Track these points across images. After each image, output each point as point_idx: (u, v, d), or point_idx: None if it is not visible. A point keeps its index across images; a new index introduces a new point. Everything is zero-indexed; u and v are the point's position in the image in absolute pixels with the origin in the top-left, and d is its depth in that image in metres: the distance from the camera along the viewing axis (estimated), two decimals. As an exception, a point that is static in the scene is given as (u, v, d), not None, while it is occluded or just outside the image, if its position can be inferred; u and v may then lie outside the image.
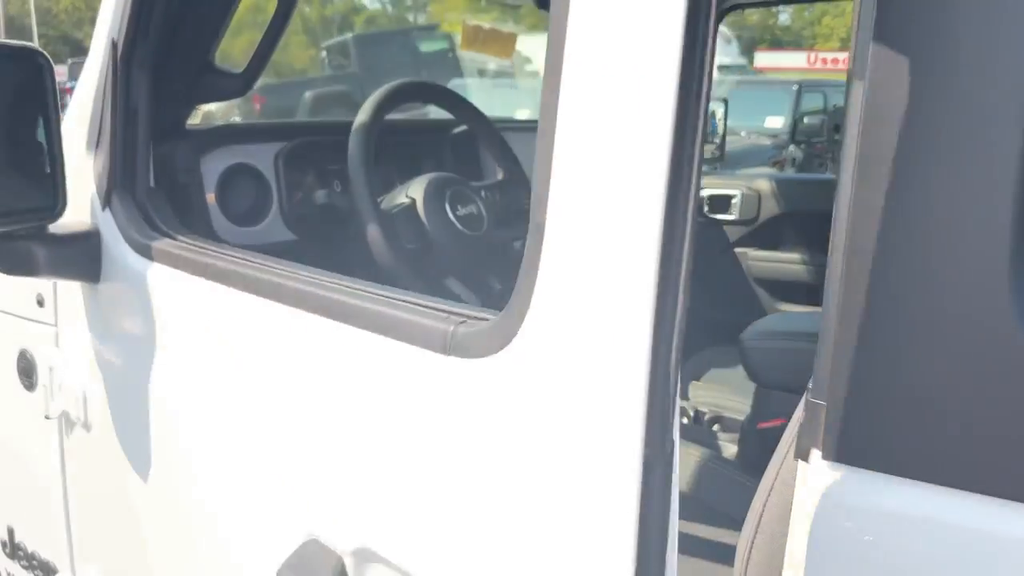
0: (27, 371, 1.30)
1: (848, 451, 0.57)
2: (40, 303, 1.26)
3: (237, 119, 5.54)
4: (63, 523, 1.31)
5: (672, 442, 0.52)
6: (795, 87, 8.34)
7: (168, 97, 1.15)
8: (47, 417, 1.22)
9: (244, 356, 0.90)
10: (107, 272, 1.07)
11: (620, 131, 0.53)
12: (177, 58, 1.11)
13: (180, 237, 1.03)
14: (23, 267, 1.06)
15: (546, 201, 0.58)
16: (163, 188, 1.15)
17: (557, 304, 0.57)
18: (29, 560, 1.39)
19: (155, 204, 1.07)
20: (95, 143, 1.06)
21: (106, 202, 1.06)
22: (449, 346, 0.65)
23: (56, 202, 1.02)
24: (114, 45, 1.04)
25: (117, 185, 1.06)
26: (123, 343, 1.09)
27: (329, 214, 1.42)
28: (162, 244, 1.01)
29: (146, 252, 1.02)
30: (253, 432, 0.87)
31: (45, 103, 0.99)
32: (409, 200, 1.33)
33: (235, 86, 1.22)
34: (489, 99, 6.85)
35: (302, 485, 0.81)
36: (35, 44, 1.05)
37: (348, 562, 0.73)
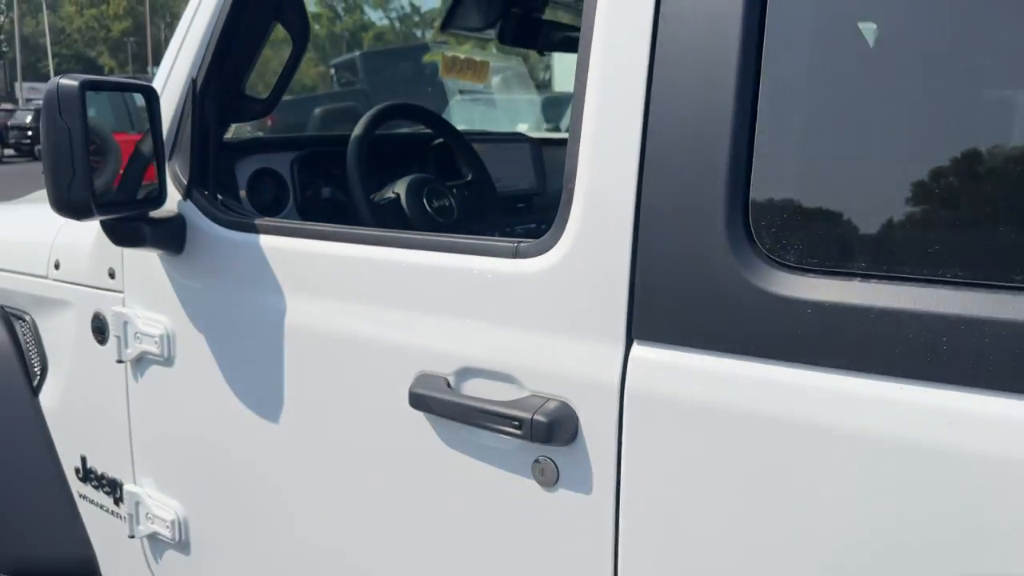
0: (100, 328, 1.68)
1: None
2: (112, 275, 1.64)
3: (255, 132, 6.01)
4: (127, 446, 1.69)
5: None
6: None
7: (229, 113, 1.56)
8: (119, 361, 1.61)
9: (317, 285, 1.32)
10: (191, 242, 1.46)
11: (610, 119, 1.00)
12: (227, 90, 1.51)
13: (244, 213, 1.46)
14: (134, 241, 1.45)
15: (576, 161, 1.03)
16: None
17: (580, 227, 1.03)
18: (99, 480, 1.77)
19: (217, 195, 1.50)
20: (170, 154, 1.46)
21: (187, 195, 1.46)
22: (516, 252, 1.10)
23: (161, 196, 1.42)
24: (193, 82, 1.44)
25: (194, 183, 1.46)
26: (205, 294, 1.48)
27: (332, 207, 1.82)
28: (234, 218, 1.43)
29: (227, 224, 1.43)
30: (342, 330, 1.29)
31: (154, 125, 1.39)
32: (394, 195, 1.73)
33: (260, 109, 1.61)
34: (478, 113, 7.64)
35: (402, 351, 1.22)
36: (145, 80, 1.47)
37: (451, 379, 1.16)
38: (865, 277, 0.87)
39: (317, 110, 8.34)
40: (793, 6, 0.94)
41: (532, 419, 1.03)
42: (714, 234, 0.92)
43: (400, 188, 1.72)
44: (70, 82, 1.26)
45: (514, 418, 1.05)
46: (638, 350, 1.00)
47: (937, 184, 0.87)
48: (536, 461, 1.08)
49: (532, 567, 1.14)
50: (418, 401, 1.16)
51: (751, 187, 0.92)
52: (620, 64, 1.00)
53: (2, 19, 72.76)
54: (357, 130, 1.67)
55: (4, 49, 68.39)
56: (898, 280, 0.86)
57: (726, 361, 0.93)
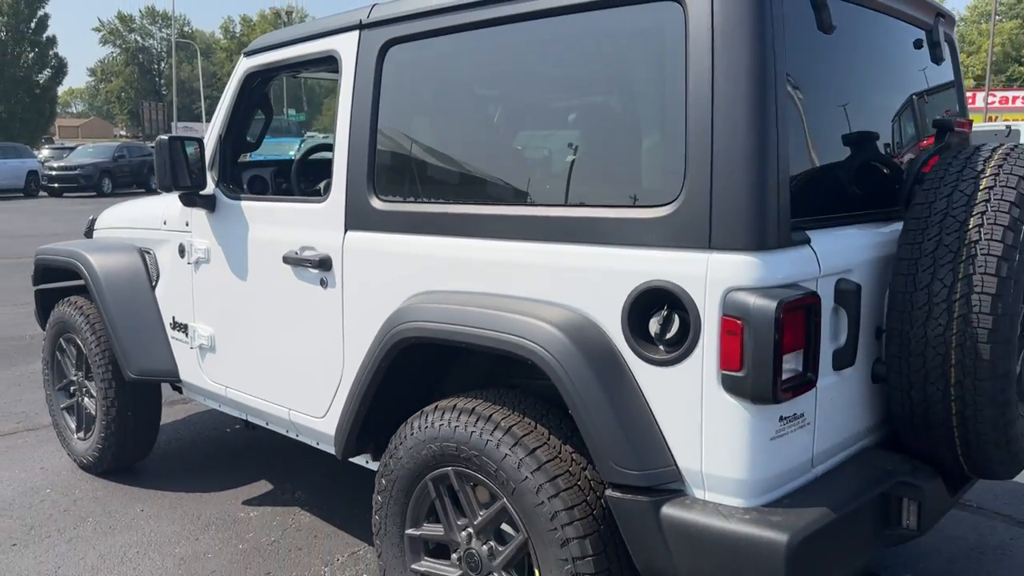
0: (181, 251, 3.55)
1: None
2: (186, 224, 3.51)
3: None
4: (191, 307, 3.54)
5: None
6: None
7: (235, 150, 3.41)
8: (188, 263, 3.47)
9: (272, 222, 3.13)
10: (218, 206, 3.29)
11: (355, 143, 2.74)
12: (235, 138, 3.36)
13: (241, 194, 3.31)
14: (192, 204, 3.32)
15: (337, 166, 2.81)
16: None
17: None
18: (180, 327, 3.63)
19: (230, 185, 3.34)
20: (213, 164, 3.30)
21: (217, 184, 3.30)
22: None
23: (205, 184, 3.27)
24: (220, 136, 3.29)
25: (220, 179, 3.30)
26: (224, 231, 3.30)
27: (286, 192, 3.66)
28: (236, 195, 3.26)
29: (233, 198, 3.25)
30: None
31: (202, 154, 3.25)
32: (321, 187, 3.52)
33: (252, 147, 3.46)
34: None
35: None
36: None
37: (299, 252, 2.96)
38: (411, 202, 2.58)
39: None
40: (391, 111, 2.66)
41: (320, 258, 2.79)
42: (367, 189, 2.64)
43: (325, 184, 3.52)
44: (165, 137, 3.12)
45: (315, 261, 2.80)
46: (352, 236, 2.72)
47: (436, 164, 2.58)
48: (321, 281, 2.82)
49: (315, 327, 2.87)
50: (285, 260, 2.93)
51: (375, 173, 2.64)
52: (350, 122, 2.73)
53: (163, 66, 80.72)
54: (296, 156, 3.51)
55: (163, 92, 75.88)
56: (421, 202, 2.57)
57: (373, 234, 2.65)
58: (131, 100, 78.48)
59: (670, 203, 1.94)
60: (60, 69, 47.44)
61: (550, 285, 2.15)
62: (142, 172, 27.64)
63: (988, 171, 2.07)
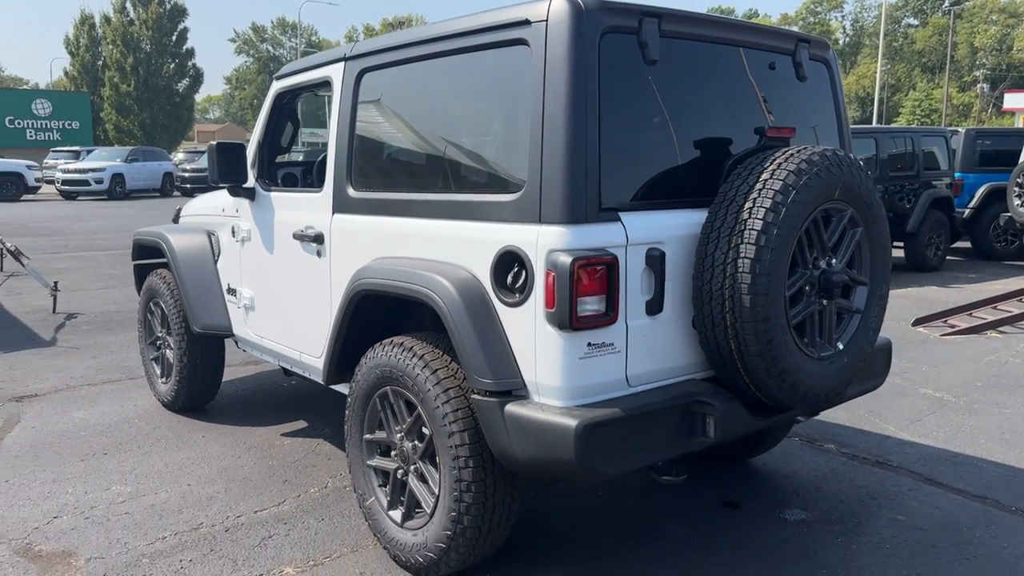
0: (233, 232, 4.54)
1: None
2: (237, 210, 4.49)
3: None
4: (239, 275, 4.52)
5: None
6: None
7: (271, 152, 4.37)
8: (236, 241, 4.45)
9: (292, 209, 4.08)
10: (257, 197, 4.25)
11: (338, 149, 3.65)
12: (271, 144, 4.31)
13: (275, 186, 4.27)
14: (237, 194, 4.30)
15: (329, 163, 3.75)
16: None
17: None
18: (232, 291, 4.63)
19: (266, 180, 4.30)
20: (254, 164, 4.26)
21: (256, 179, 4.27)
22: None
23: (247, 179, 4.25)
24: (259, 142, 4.25)
25: (260, 175, 4.27)
26: (259, 215, 4.27)
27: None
28: (270, 187, 4.23)
29: (267, 189, 4.21)
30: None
31: (247, 156, 4.23)
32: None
33: (285, 150, 4.41)
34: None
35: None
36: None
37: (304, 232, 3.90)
38: (372, 191, 3.44)
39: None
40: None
41: (316, 234, 3.68)
42: (346, 181, 3.52)
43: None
44: (214, 143, 4.10)
45: (312, 236, 3.69)
46: (337, 217, 3.60)
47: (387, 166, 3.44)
48: (317, 252, 3.71)
49: (314, 287, 3.76)
50: (294, 236, 3.84)
51: (352, 170, 3.51)
52: (337, 131, 3.61)
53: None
54: (319, 158, 4.44)
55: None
56: (377, 191, 3.42)
57: (350, 215, 3.52)
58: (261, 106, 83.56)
59: (519, 191, 2.72)
60: (197, 78, 51.31)
61: (451, 250, 2.95)
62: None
63: (769, 167, 2.74)
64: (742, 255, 2.64)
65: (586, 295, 2.56)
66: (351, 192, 3.49)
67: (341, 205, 3.55)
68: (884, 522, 3.62)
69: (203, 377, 5.02)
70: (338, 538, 3.47)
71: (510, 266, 2.73)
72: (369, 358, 3.21)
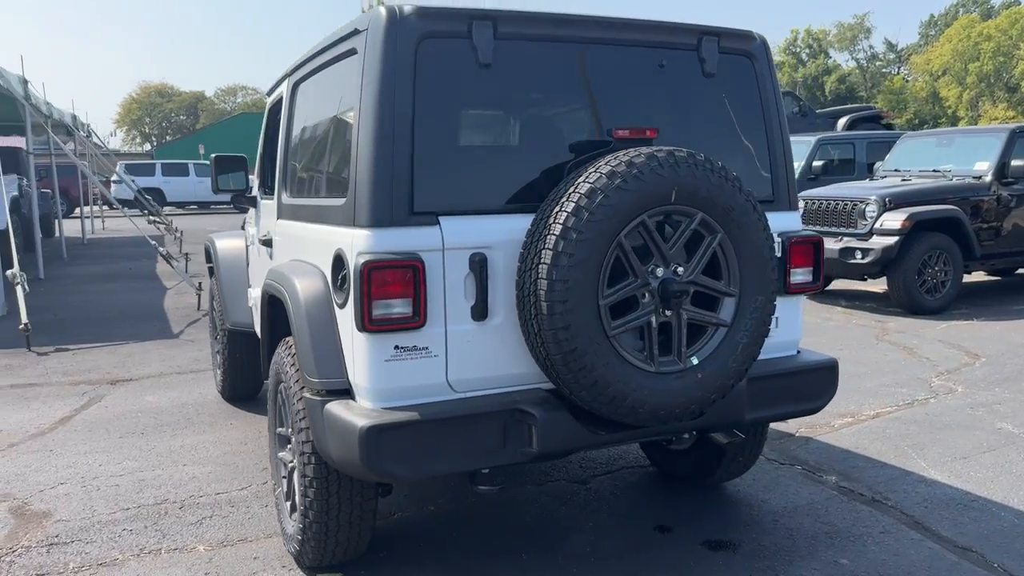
0: (248, 236, 4.94)
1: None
2: (251, 217, 4.89)
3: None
4: (250, 277, 4.91)
5: None
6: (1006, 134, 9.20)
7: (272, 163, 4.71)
8: (248, 245, 4.84)
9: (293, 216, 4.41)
10: (259, 205, 4.60)
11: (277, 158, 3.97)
12: (270, 157, 4.66)
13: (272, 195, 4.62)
14: (239, 203, 4.69)
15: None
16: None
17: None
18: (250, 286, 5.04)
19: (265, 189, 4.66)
20: (259, 174, 4.64)
21: (259, 187, 4.63)
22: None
23: (245, 188, 4.63)
24: (261, 155, 4.61)
25: (262, 184, 4.62)
26: (256, 222, 4.63)
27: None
28: (267, 195, 4.58)
29: (265, 197, 4.56)
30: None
31: (246, 169, 4.61)
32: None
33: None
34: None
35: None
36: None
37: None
38: (288, 197, 3.64)
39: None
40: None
41: (268, 239, 3.95)
42: (283, 188, 3.75)
43: None
44: (213, 155, 4.50)
45: (266, 241, 3.96)
46: (278, 222, 3.84)
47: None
48: (269, 255, 3.96)
49: None
50: (260, 241, 4.12)
51: (285, 178, 3.73)
52: (283, 141, 3.86)
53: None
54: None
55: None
56: (289, 197, 3.62)
57: (283, 220, 3.74)
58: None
59: (345, 196, 2.79)
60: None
61: (313, 252, 3.08)
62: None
63: (589, 170, 2.59)
64: (542, 261, 2.53)
65: (386, 297, 2.58)
66: (284, 199, 3.72)
67: (280, 211, 3.78)
68: (820, 564, 3.24)
69: (242, 370, 5.48)
70: (262, 524, 3.70)
71: (339, 268, 2.80)
72: (274, 356, 3.41)
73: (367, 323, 2.58)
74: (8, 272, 8.01)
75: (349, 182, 2.75)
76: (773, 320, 3.07)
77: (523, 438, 2.70)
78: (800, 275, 3.23)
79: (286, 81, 3.91)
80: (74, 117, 15.48)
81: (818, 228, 8.93)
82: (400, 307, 2.62)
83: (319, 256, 3.00)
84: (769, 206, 3.16)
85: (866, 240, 8.52)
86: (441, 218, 2.68)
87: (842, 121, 18.01)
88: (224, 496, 4.02)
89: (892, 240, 8.33)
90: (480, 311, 2.72)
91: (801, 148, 12.02)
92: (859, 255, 8.47)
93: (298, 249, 3.34)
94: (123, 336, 7.90)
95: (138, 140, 79.55)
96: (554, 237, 2.51)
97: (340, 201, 2.84)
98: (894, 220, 8.36)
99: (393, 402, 2.66)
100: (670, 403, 2.68)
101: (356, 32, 2.81)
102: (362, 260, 2.56)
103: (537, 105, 2.92)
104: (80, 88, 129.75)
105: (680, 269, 2.68)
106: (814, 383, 3.20)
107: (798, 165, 11.91)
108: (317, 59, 3.33)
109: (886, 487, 4.01)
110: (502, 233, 2.74)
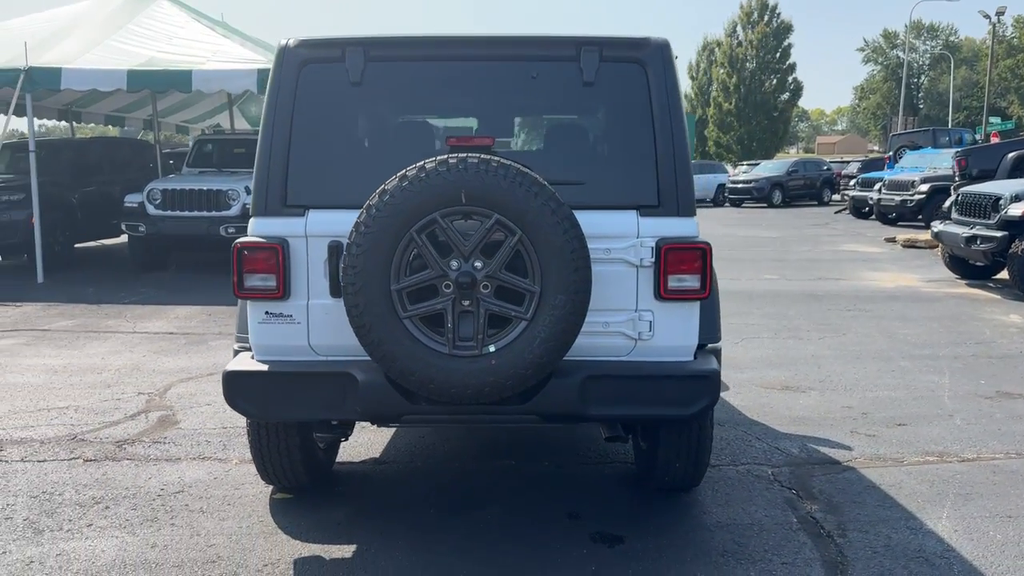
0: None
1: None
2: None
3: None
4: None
5: None
6: None
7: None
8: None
9: None
10: None
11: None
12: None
13: None
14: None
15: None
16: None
17: None
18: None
19: None
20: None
21: None
22: None
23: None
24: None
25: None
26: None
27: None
28: None
29: None
30: None
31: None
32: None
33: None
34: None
35: None
36: None
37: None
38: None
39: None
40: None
41: None
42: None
43: None
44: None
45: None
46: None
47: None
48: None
49: None
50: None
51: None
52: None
53: (922, 79, 79.87)
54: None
55: (920, 106, 75.34)
56: None
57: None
58: (885, 116, 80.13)
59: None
60: (796, 92, 52.49)
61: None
62: (815, 186, 29.80)
63: (399, 174, 2.98)
64: (343, 251, 3.00)
65: (253, 272, 3.25)
66: None
67: None
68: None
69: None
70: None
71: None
72: None
73: (235, 290, 3.27)
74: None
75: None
76: (646, 325, 3.17)
77: (355, 399, 3.19)
78: (677, 281, 3.20)
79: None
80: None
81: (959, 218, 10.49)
82: (264, 281, 3.26)
83: None
84: (652, 211, 3.21)
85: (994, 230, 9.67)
86: (310, 211, 3.27)
87: None
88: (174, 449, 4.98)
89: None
90: (336, 289, 3.25)
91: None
92: (979, 243, 9.79)
93: None
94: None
95: None
96: (351, 230, 2.97)
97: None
98: (1017, 208, 9.49)
99: (267, 357, 3.33)
100: (460, 383, 2.97)
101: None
102: (238, 241, 3.26)
103: (401, 117, 3.34)
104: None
105: (479, 264, 2.95)
106: (678, 389, 3.17)
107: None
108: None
109: (867, 528, 3.64)
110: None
